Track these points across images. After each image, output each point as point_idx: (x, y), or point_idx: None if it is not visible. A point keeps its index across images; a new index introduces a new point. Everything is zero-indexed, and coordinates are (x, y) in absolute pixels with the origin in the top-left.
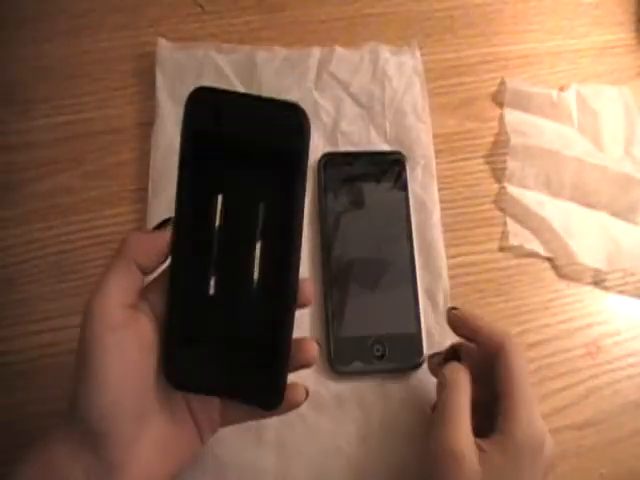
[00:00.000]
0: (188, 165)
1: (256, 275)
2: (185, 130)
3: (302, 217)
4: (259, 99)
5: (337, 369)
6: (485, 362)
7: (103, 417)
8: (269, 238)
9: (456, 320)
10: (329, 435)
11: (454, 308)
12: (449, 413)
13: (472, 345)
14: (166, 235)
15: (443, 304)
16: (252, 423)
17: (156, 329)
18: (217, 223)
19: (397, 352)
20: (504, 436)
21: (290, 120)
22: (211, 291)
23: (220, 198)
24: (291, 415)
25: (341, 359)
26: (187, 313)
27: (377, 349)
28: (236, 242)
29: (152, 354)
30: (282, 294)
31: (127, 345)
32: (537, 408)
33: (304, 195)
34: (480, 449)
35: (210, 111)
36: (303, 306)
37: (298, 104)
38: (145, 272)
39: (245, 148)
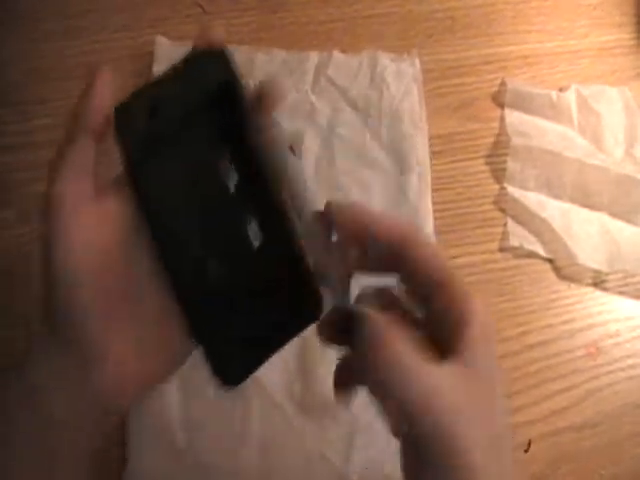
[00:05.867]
0: (141, 169)
1: (250, 230)
2: (126, 146)
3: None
4: (171, 71)
5: None
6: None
7: (68, 304)
8: (245, 186)
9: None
10: (314, 439)
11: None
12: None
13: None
14: (99, 83)
15: None
16: (236, 426)
17: (119, 204)
18: (187, 206)
19: None
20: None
21: (207, 66)
22: (214, 272)
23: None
24: (276, 418)
25: None
26: (202, 311)
27: None
28: (216, 214)
29: (117, 232)
30: (275, 214)
31: (87, 224)
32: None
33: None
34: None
35: (140, 114)
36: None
37: (198, 49)
38: (94, 134)
39: (187, 120)
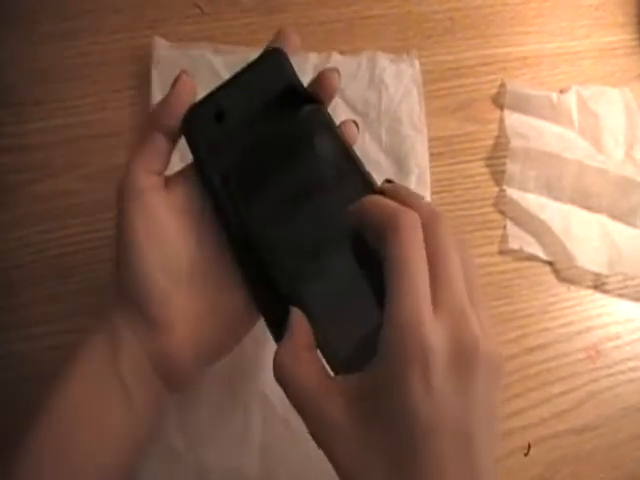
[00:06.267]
0: (210, 163)
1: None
2: (199, 151)
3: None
4: (239, 74)
5: None
6: None
7: (135, 274)
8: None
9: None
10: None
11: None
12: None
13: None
14: (181, 86)
15: None
16: (238, 427)
17: (188, 194)
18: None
19: None
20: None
21: (271, 66)
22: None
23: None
24: (275, 420)
25: None
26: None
27: None
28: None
29: (186, 217)
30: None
31: (154, 207)
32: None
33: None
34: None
35: (208, 116)
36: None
37: (268, 48)
38: (171, 136)
39: (258, 122)
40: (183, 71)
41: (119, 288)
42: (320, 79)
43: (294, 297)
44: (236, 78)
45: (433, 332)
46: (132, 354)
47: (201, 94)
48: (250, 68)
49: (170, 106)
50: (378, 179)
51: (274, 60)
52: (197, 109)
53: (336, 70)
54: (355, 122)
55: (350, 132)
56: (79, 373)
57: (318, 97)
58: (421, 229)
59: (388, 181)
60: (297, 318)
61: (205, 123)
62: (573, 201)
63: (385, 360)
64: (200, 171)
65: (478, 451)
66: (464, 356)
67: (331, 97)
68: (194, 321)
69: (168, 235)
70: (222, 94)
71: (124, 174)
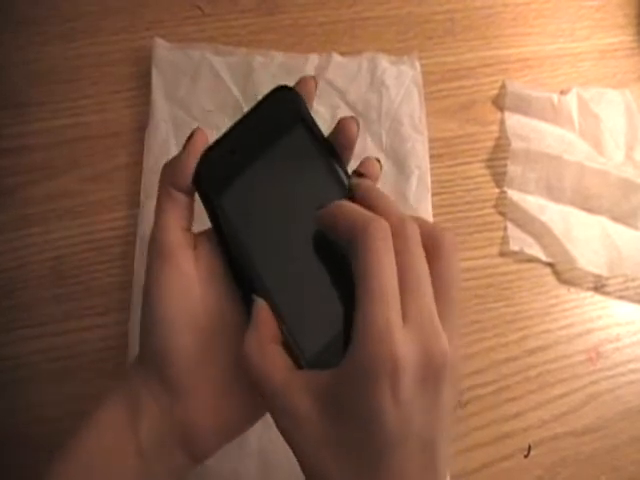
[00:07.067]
0: (230, 223)
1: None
2: (208, 194)
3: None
4: (248, 115)
5: None
6: None
7: (161, 338)
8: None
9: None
10: None
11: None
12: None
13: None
14: (195, 144)
15: None
16: None
17: (213, 254)
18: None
19: None
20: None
21: (281, 105)
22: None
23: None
24: (274, 425)
25: None
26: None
27: None
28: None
29: (212, 279)
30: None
31: (185, 267)
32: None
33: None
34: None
35: (220, 161)
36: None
37: (277, 87)
38: (186, 191)
39: (264, 156)
40: (199, 128)
41: (141, 350)
42: (339, 128)
43: (263, 290)
44: (246, 118)
45: (403, 345)
46: (152, 423)
47: (202, 95)
48: (259, 108)
49: (181, 163)
50: (379, 181)
51: (286, 99)
52: (209, 155)
53: (355, 120)
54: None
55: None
56: (95, 436)
57: (337, 146)
58: (391, 238)
59: (359, 174)
60: (261, 309)
61: (217, 167)
62: (574, 203)
63: (355, 366)
64: (216, 227)
65: (440, 457)
66: (432, 370)
67: (351, 147)
68: (216, 388)
69: (196, 297)
70: (232, 135)
71: (154, 231)
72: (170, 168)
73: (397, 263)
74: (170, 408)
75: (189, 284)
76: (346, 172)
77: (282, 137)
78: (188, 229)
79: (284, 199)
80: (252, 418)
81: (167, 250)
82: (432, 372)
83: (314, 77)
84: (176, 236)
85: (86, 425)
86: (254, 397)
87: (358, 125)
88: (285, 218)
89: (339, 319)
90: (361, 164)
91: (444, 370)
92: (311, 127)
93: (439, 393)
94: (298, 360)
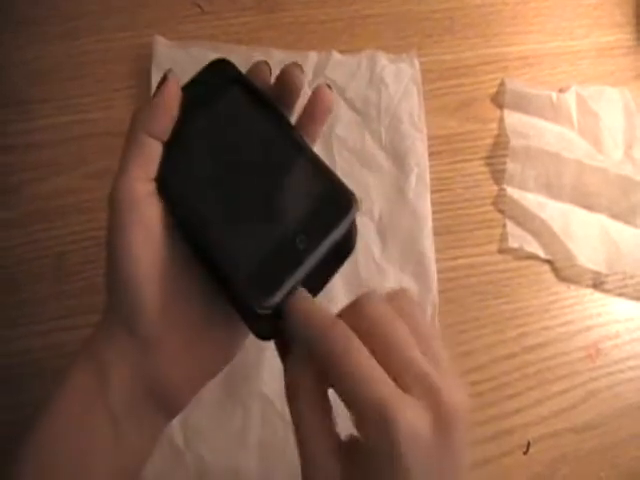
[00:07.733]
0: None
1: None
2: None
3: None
4: (186, 86)
5: None
6: None
7: (129, 288)
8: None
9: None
10: None
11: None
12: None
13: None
14: (169, 89)
15: (430, 318)
16: (237, 425)
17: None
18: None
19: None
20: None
21: (214, 73)
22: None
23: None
24: (274, 419)
25: None
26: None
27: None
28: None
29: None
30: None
31: (150, 218)
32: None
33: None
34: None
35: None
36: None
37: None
38: (161, 138)
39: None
40: (169, 70)
41: (109, 304)
42: (282, 76)
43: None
44: (184, 90)
45: (414, 415)
46: (121, 381)
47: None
48: (195, 79)
49: (159, 108)
50: (378, 178)
51: (218, 68)
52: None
53: (298, 66)
54: (328, 85)
55: (324, 97)
56: (64, 404)
57: (282, 99)
58: (353, 333)
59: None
60: None
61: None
62: (573, 200)
63: (371, 447)
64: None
65: None
66: (444, 424)
67: (295, 97)
68: (186, 336)
69: (161, 246)
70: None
71: (115, 183)
72: (144, 113)
73: (371, 342)
74: (140, 364)
75: (154, 233)
76: (289, 123)
77: (220, 99)
78: (154, 179)
79: (228, 154)
80: (224, 359)
81: (133, 199)
82: (445, 426)
83: (266, 61)
84: (143, 185)
85: (54, 396)
86: (222, 343)
87: (302, 70)
88: (231, 171)
89: (271, 239)
90: (311, 97)
91: (456, 421)
92: (247, 86)
93: (454, 440)
94: (240, 283)
